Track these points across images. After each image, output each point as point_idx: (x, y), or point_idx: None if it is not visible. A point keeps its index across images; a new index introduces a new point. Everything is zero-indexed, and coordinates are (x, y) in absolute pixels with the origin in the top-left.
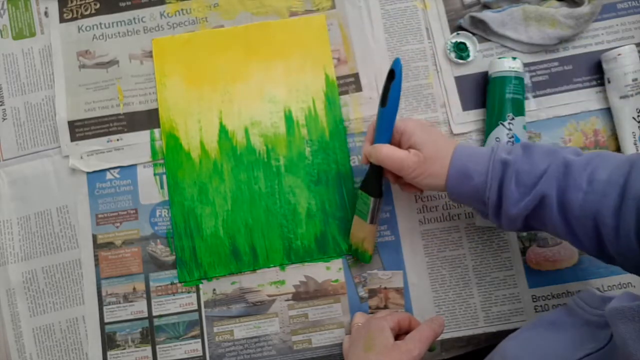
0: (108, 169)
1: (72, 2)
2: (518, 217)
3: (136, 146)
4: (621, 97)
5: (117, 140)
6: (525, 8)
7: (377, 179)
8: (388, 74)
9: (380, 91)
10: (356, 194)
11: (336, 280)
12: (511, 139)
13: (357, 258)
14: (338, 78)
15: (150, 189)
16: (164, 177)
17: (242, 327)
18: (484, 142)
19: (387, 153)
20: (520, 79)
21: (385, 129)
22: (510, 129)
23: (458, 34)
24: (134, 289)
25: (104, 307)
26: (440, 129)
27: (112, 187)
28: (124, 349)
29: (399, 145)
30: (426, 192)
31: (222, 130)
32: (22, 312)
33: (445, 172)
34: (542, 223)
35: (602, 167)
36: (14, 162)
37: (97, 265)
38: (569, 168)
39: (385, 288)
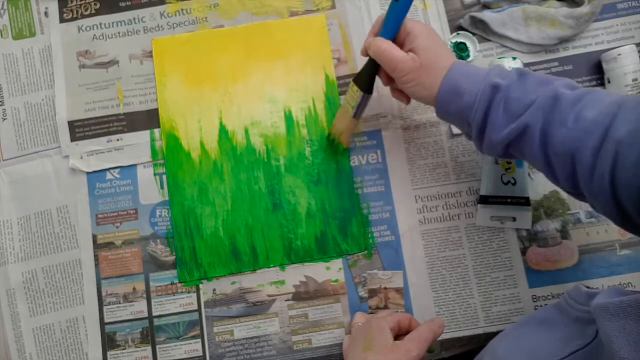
0: (108, 169)
1: (72, 2)
2: (499, 144)
3: (136, 146)
4: None
5: (117, 140)
6: (525, 8)
7: (370, 75)
8: None
9: None
10: (355, 193)
11: (336, 280)
12: None
13: (330, 147)
14: (338, 78)
15: (150, 189)
16: (164, 177)
17: (242, 327)
18: None
19: (385, 48)
20: None
21: (391, 23)
22: None
23: (458, 34)
24: (134, 289)
25: (104, 307)
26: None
27: (112, 187)
28: (124, 349)
29: (402, 45)
30: (426, 193)
31: (222, 130)
32: (22, 312)
33: (437, 86)
34: (522, 153)
35: (591, 106)
36: (14, 162)
37: (97, 265)
38: (558, 101)
39: (385, 288)
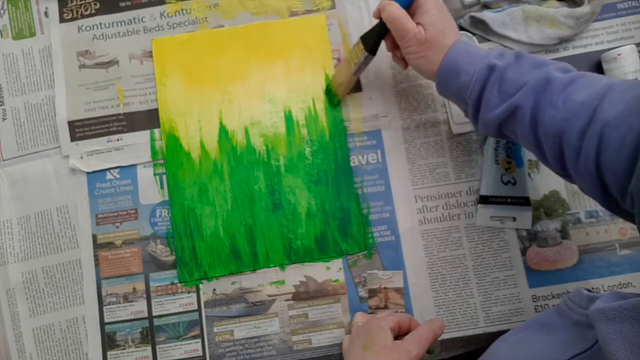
0: (108, 169)
1: (72, 2)
2: (492, 123)
3: (136, 146)
4: None
5: (117, 140)
6: (525, 8)
7: (378, 37)
8: None
9: None
10: (355, 193)
11: (336, 280)
12: None
13: (327, 99)
14: None
15: (150, 189)
16: (164, 177)
17: (242, 327)
18: (483, 142)
19: (398, 16)
20: None
21: None
22: None
23: None
24: (134, 289)
25: (104, 307)
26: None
27: (112, 187)
28: (124, 349)
29: (412, 15)
30: (426, 193)
31: (222, 130)
32: (22, 312)
33: (438, 62)
34: (514, 133)
35: (582, 89)
36: (14, 162)
37: (97, 265)
38: (549, 83)
39: (385, 288)
